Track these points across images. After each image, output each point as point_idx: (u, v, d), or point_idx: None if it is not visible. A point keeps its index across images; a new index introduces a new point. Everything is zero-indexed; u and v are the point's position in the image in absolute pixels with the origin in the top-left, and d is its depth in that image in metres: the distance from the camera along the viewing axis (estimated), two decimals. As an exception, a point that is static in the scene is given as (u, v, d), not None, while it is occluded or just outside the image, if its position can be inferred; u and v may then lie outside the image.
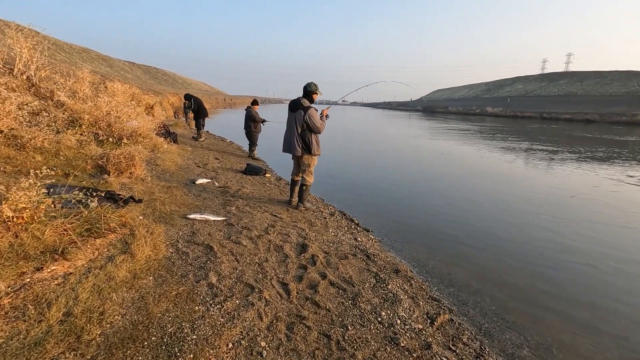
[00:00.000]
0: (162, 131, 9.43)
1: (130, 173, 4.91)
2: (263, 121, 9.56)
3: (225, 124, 22.59)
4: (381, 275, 3.25)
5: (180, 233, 3.48)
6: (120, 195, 4.02)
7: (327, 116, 4.76)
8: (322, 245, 3.75)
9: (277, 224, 4.15)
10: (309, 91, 4.57)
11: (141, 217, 3.62)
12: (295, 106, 4.56)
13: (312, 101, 4.64)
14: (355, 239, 4.20)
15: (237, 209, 4.54)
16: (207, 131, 15.07)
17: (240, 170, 7.33)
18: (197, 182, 5.62)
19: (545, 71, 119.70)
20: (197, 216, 3.93)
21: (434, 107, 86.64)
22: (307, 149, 4.59)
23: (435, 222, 5.31)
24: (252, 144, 9.65)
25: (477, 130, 25.36)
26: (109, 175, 4.68)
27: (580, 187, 7.96)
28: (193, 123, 11.51)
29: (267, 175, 7.26)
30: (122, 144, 6.09)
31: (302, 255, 3.40)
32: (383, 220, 5.43)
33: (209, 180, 5.91)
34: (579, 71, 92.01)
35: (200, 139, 11.51)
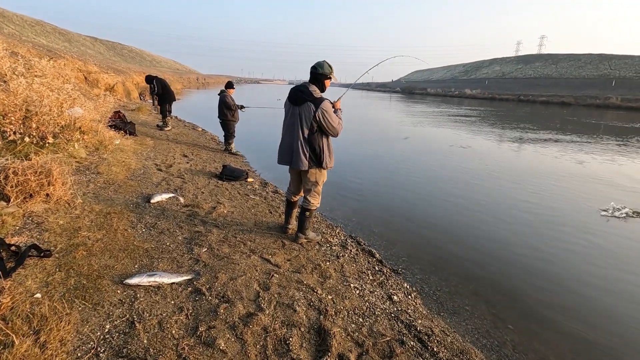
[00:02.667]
0: (115, 120, 7.58)
1: (47, 195, 3.29)
2: (240, 107, 7.90)
3: (198, 107, 20.42)
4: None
5: (107, 328, 1.97)
6: (12, 246, 2.43)
7: (340, 110, 3.29)
8: (349, 324, 2.35)
9: (273, 282, 2.70)
10: (321, 74, 3.06)
11: (38, 296, 2.08)
12: (300, 97, 3.05)
13: (323, 89, 3.13)
14: (390, 298, 2.82)
15: (209, 253, 3.03)
16: (176, 117, 13.15)
17: (215, 174, 5.74)
18: (153, 201, 4.03)
19: (520, 53, 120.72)
20: (144, 280, 2.41)
21: (413, 89, 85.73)
22: (317, 161, 3.12)
23: (475, 244, 4.04)
24: (229, 135, 8.00)
25: (476, 116, 24.40)
26: (8, 202, 3.04)
27: None
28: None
29: (249, 179, 5.72)
30: (46, 145, 4.36)
31: (324, 358, 1.99)
32: (405, 239, 4.11)
33: (172, 195, 4.33)
34: (554, 54, 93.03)
35: (166, 128, 9.71)
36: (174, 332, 2.01)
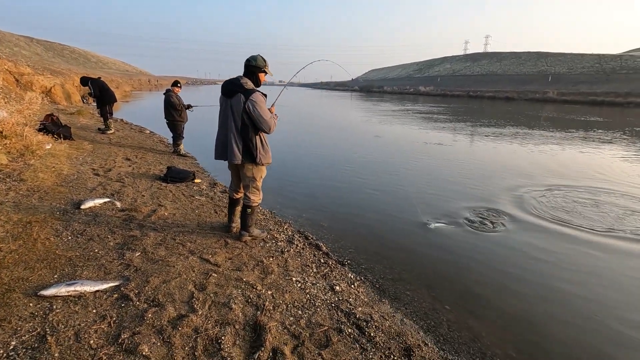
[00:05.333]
0: (46, 124, 6.99)
1: (-48, 206, 2.94)
2: (188, 107, 7.61)
3: (148, 110, 19.43)
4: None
5: (12, 345, 1.78)
6: None
7: (275, 116, 3.23)
8: (287, 318, 2.31)
9: (210, 281, 2.60)
10: (254, 67, 3.00)
11: None
12: (231, 88, 2.96)
13: (258, 83, 3.07)
14: (332, 289, 2.83)
15: (142, 257, 2.87)
16: (122, 120, 12.44)
17: (159, 177, 5.47)
18: (84, 207, 3.75)
19: (468, 52, 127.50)
20: (62, 290, 2.21)
21: (370, 87, 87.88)
22: (250, 156, 3.05)
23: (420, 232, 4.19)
24: (177, 136, 7.68)
25: (438, 112, 25.37)
26: None
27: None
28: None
29: (196, 180, 5.52)
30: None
31: (257, 354, 1.94)
32: (353, 233, 4.16)
33: (106, 200, 4.05)
34: (498, 52, 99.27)
35: (108, 131, 9.12)
36: (92, 342, 1.86)
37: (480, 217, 4.76)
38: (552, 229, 4.46)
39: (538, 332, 2.65)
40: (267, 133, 3.05)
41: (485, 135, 13.34)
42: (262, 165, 3.13)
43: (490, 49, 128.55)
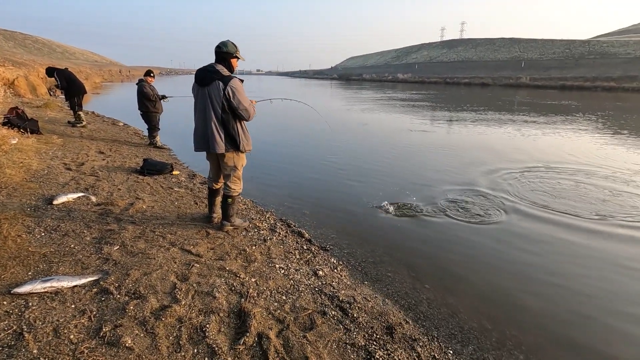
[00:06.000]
0: (10, 118, 6.64)
1: None
2: (162, 97, 7.39)
3: (120, 102, 18.71)
4: (374, 351, 2.01)
5: (-13, 345, 1.74)
6: None
7: (253, 102, 3.21)
8: (271, 304, 2.34)
9: (193, 272, 2.59)
10: (226, 53, 2.94)
11: None
12: (208, 76, 2.90)
13: (231, 69, 3.01)
14: (315, 274, 2.87)
15: (121, 250, 2.81)
16: (93, 112, 11.96)
17: (135, 170, 5.33)
18: (56, 202, 3.62)
19: (444, 38, 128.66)
20: (37, 286, 2.15)
21: (349, 75, 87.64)
22: (233, 143, 3.01)
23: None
24: (152, 128, 7.46)
25: (419, 99, 25.57)
26: None
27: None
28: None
29: (174, 172, 5.41)
30: None
31: (242, 339, 1.96)
32: (335, 219, 4.22)
33: (80, 195, 3.93)
34: (473, 38, 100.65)
35: (79, 124, 8.76)
36: (72, 337, 1.83)
37: (459, 201, 4.91)
38: (528, 212, 4.65)
39: (511, 304, 2.79)
40: (246, 120, 3.02)
41: (472, 122, 13.61)
42: (244, 152, 3.11)
43: (466, 36, 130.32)
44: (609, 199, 5.02)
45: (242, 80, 2.97)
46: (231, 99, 2.84)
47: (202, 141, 3.05)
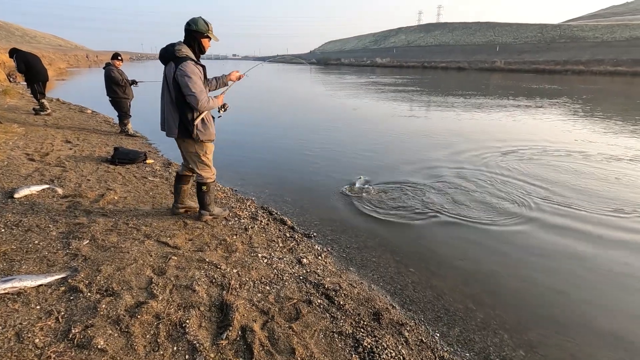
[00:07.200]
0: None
1: None
2: (133, 82, 7.00)
3: (88, 88, 17.72)
4: (362, 338, 1.97)
5: (-62, 354, 1.57)
6: None
7: (225, 106, 3.03)
8: (255, 295, 2.25)
9: (170, 265, 2.46)
10: (195, 32, 2.73)
11: None
12: (164, 55, 2.71)
13: (202, 50, 2.81)
14: (300, 262, 2.80)
15: (91, 245, 2.63)
16: (58, 99, 11.26)
17: (105, 159, 5.04)
18: (18, 195, 3.36)
19: (422, 22, 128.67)
20: (-3, 288, 1.97)
21: (328, 60, 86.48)
22: (186, 131, 2.80)
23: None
24: (123, 115, 7.08)
25: (402, 84, 25.47)
26: None
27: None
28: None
29: (148, 161, 5.16)
30: None
31: (225, 334, 1.87)
32: (318, 205, 4.15)
33: (45, 187, 3.66)
34: (450, 22, 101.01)
35: (43, 112, 8.22)
36: (37, 341, 1.68)
37: (441, 182, 4.93)
38: (511, 192, 4.72)
39: (494, 284, 2.82)
40: (196, 108, 2.71)
41: (455, 106, 13.71)
42: (204, 142, 2.90)
43: (442, 19, 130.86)
44: (596, 182, 5.18)
45: (202, 66, 2.74)
46: (179, 82, 2.61)
47: (163, 124, 2.88)
